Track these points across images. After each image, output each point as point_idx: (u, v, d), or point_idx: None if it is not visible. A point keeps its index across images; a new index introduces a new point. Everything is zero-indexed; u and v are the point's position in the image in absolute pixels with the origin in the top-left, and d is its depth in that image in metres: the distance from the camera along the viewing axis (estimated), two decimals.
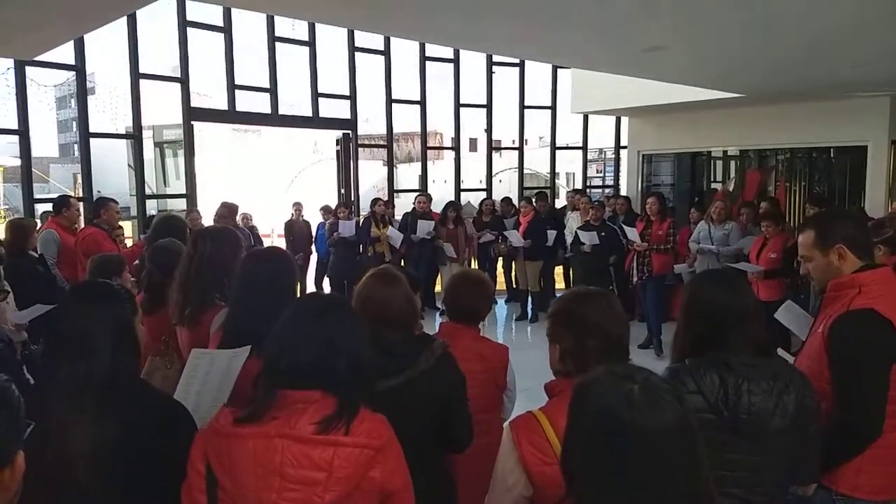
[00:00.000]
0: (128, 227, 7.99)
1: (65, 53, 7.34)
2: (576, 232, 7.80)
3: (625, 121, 11.16)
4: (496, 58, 10.63)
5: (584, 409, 1.17)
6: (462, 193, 10.97)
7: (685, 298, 2.02)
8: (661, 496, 1.08)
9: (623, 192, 10.71)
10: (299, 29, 9.47)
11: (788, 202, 9.29)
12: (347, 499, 1.42)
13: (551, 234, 8.47)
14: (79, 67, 7.50)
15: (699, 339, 1.92)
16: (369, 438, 1.45)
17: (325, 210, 9.27)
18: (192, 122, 8.56)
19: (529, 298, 8.76)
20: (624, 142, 11.33)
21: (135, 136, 8.21)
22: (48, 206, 6.86)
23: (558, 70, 10.93)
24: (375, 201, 8.69)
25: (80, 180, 7.89)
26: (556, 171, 11.78)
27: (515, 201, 9.41)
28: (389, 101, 10.20)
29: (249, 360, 2.16)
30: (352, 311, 1.64)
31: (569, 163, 11.97)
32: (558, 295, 2.10)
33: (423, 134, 10.79)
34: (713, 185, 10.46)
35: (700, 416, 1.77)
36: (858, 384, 2.02)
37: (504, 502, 1.62)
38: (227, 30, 8.62)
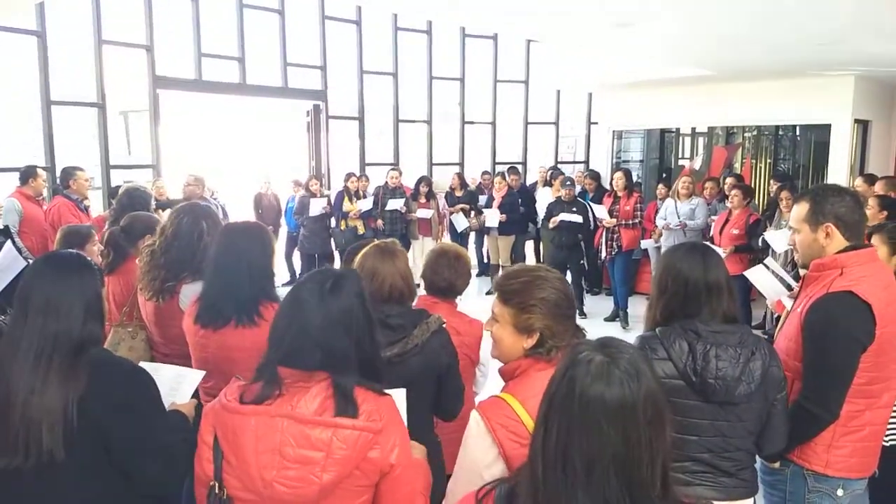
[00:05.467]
0: (94, 197, 7.80)
1: (25, 18, 7.09)
2: (547, 207, 7.84)
3: (596, 97, 11.21)
4: (469, 30, 10.58)
5: (556, 373, 1.19)
6: (434, 168, 10.93)
7: (659, 269, 2.05)
8: (598, 469, 1.08)
9: (591, 166, 10.75)
10: None
11: (754, 178, 9.48)
12: (346, 478, 1.43)
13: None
14: (40, 33, 7.26)
15: (671, 309, 1.98)
16: (369, 421, 1.44)
17: (296, 183, 9.16)
18: (158, 91, 8.38)
19: (500, 273, 8.78)
20: (595, 118, 11.38)
21: (99, 105, 8.01)
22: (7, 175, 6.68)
23: (531, 45, 10.90)
24: (349, 176, 8.62)
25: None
26: (528, 146, 11.80)
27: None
28: (361, 73, 10.09)
29: (228, 330, 2.19)
30: (361, 287, 1.59)
31: (541, 138, 11.98)
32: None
33: (396, 106, 10.71)
34: (681, 162, 10.59)
35: (670, 383, 1.85)
36: (822, 367, 2.02)
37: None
38: None
